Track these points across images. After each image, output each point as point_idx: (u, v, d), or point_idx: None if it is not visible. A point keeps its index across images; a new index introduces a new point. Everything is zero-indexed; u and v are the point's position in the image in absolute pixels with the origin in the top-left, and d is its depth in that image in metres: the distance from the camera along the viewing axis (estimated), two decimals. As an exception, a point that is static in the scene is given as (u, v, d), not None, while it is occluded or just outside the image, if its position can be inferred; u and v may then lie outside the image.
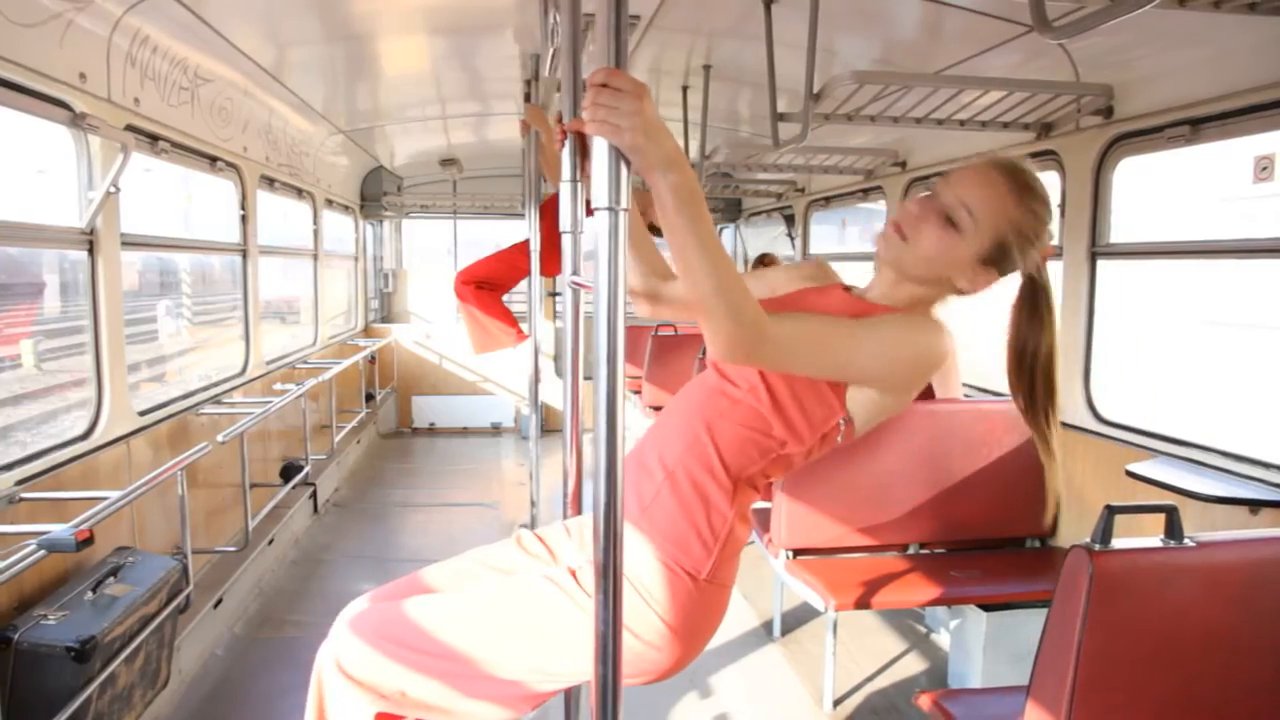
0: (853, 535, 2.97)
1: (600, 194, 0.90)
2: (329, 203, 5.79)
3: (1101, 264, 2.94)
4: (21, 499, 2.22)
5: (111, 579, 2.32)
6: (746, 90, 4.11)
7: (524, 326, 3.91)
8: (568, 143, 1.34)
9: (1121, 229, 2.93)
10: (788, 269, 1.57)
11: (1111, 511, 1.54)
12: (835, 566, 2.88)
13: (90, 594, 2.22)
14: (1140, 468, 2.54)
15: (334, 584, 3.89)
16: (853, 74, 2.53)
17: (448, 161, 6.63)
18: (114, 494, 2.25)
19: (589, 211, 0.96)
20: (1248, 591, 1.58)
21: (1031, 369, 1.32)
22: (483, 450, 6.71)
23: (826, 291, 1.44)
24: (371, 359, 6.53)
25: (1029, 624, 2.65)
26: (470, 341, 4.00)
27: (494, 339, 3.92)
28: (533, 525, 3.22)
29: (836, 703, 2.81)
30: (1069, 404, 3.04)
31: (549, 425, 6.85)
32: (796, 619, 3.42)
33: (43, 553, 1.91)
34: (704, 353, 1.90)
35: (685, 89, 4.17)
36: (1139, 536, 1.57)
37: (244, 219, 4.02)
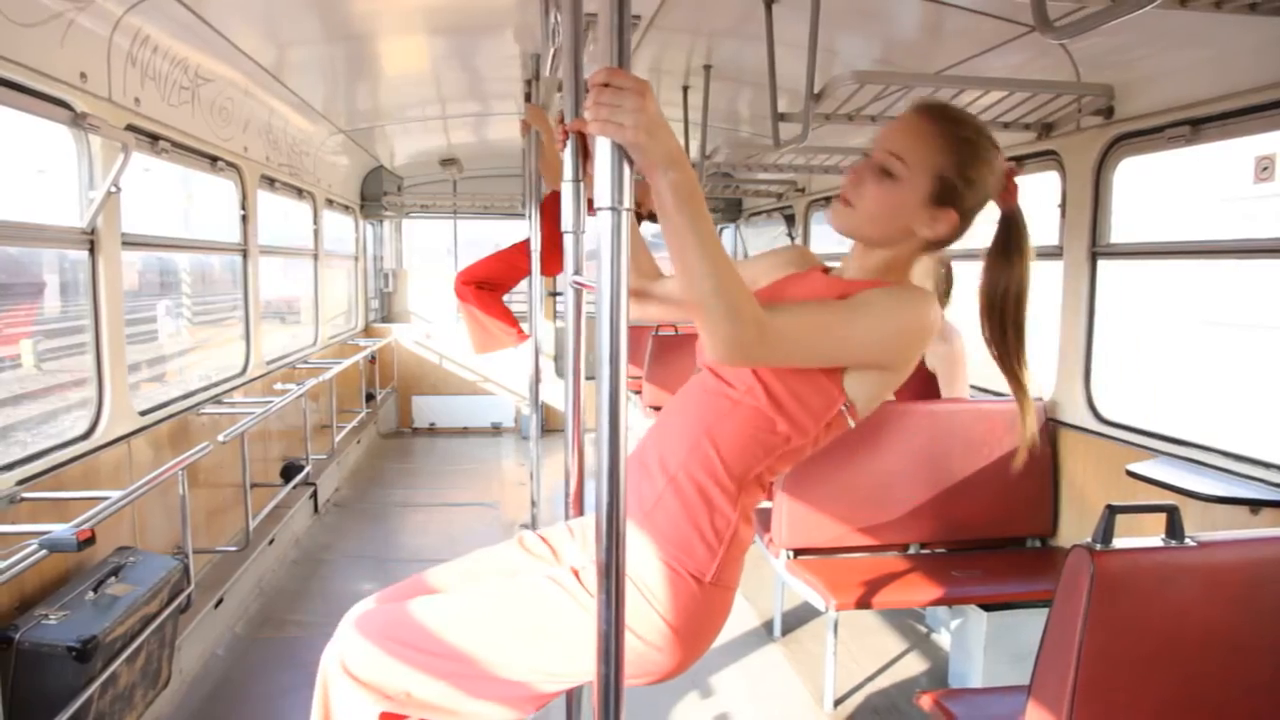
0: (853, 535, 2.97)
1: (603, 193, 0.90)
2: (329, 202, 5.79)
3: (1102, 264, 2.94)
4: (23, 499, 2.21)
5: (112, 579, 2.32)
6: (747, 90, 4.11)
7: (524, 326, 3.91)
8: (569, 143, 1.35)
9: (1122, 229, 2.94)
10: (768, 258, 1.55)
11: (1112, 511, 1.54)
12: (836, 566, 2.88)
13: (91, 594, 2.22)
14: (1141, 468, 2.54)
15: (335, 584, 3.89)
16: (854, 74, 2.53)
17: (448, 161, 6.63)
18: (115, 494, 2.25)
19: (590, 211, 0.96)
20: (1248, 591, 1.58)
21: (1002, 310, 1.31)
22: (483, 450, 6.71)
23: (807, 277, 1.43)
24: (372, 359, 6.53)
25: (1030, 624, 2.65)
26: (471, 342, 4.00)
27: (495, 339, 3.92)
28: (533, 525, 3.23)
29: (837, 702, 2.81)
30: (1070, 404, 3.04)
31: (549, 425, 6.85)
32: (797, 619, 3.42)
33: (44, 552, 1.91)
34: None
35: (686, 89, 4.17)
36: (1140, 536, 1.57)
37: (244, 219, 4.02)
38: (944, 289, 3.19)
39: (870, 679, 2.99)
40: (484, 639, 1.31)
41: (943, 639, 3.25)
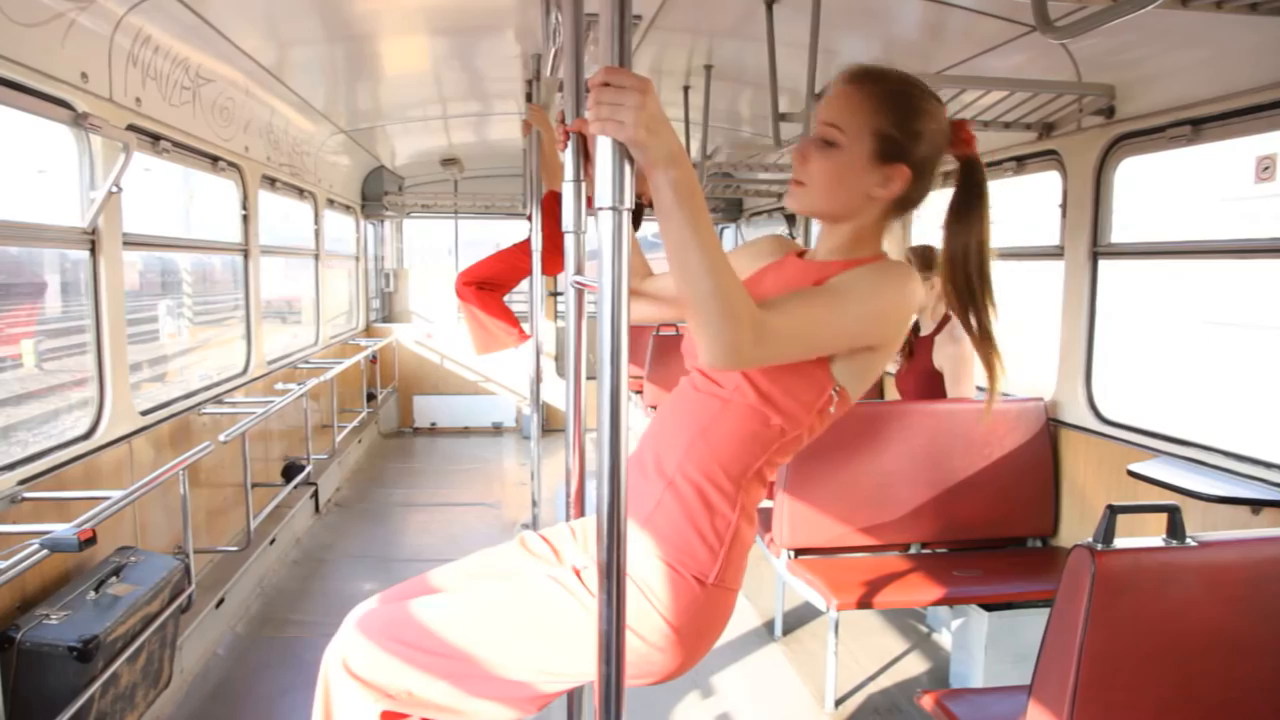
0: (854, 535, 2.97)
1: (603, 193, 0.90)
2: (330, 202, 5.79)
3: (1103, 264, 2.94)
4: (24, 499, 2.22)
5: (114, 578, 2.32)
6: (748, 90, 4.11)
7: (525, 326, 3.91)
8: (570, 143, 1.34)
9: (1123, 229, 2.93)
10: (746, 251, 1.53)
11: (1113, 511, 1.54)
12: (837, 566, 2.88)
13: (92, 593, 2.22)
14: (1142, 467, 2.54)
15: (335, 583, 3.89)
16: (855, 74, 2.53)
17: (449, 161, 6.63)
18: (116, 494, 2.25)
19: (590, 209, 0.96)
20: (1249, 591, 1.58)
21: (965, 259, 1.30)
22: (484, 450, 6.71)
23: (784, 266, 1.41)
24: (373, 359, 6.53)
25: (1031, 624, 2.65)
26: (472, 342, 4.00)
27: (496, 339, 3.92)
28: (534, 525, 3.23)
29: (838, 702, 2.81)
30: (1071, 404, 3.04)
31: (550, 425, 6.86)
32: (798, 619, 3.42)
33: (45, 552, 1.91)
34: None
35: (687, 89, 4.17)
36: (1141, 536, 1.57)
37: (245, 219, 4.02)
38: None
39: (871, 679, 2.99)
40: (486, 638, 1.31)
41: (944, 639, 3.24)
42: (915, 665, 3.10)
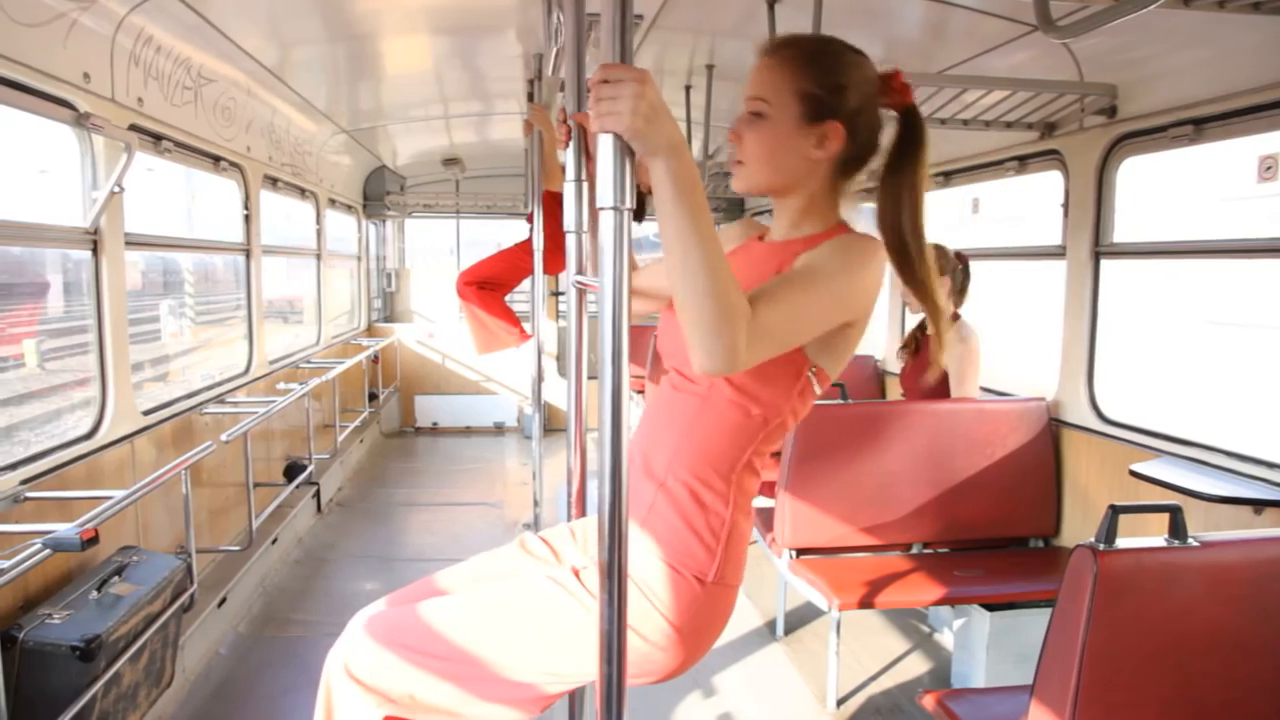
0: (856, 535, 2.97)
1: (605, 193, 0.90)
2: (332, 202, 5.80)
3: (1105, 264, 2.94)
4: (26, 498, 2.22)
5: (116, 578, 2.32)
6: (749, 90, 4.10)
7: (526, 326, 3.91)
8: (571, 140, 1.34)
9: (1125, 229, 2.93)
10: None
11: (1115, 511, 1.54)
12: (839, 566, 2.88)
13: (95, 593, 2.22)
14: (1144, 467, 2.54)
15: (337, 583, 3.89)
16: (856, 73, 2.53)
17: (450, 161, 6.64)
18: (118, 493, 2.25)
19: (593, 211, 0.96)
20: (1251, 591, 1.58)
21: (898, 210, 1.28)
22: (486, 450, 6.72)
23: (749, 251, 1.39)
24: (374, 358, 6.54)
25: (1033, 624, 2.65)
26: (473, 342, 4.00)
27: (497, 339, 3.92)
28: (536, 525, 3.23)
29: (840, 702, 2.81)
30: (1073, 404, 3.04)
31: (552, 424, 6.86)
32: (800, 618, 3.42)
33: (48, 552, 1.91)
34: None
35: (688, 88, 4.17)
36: (1143, 536, 1.57)
37: (247, 219, 4.02)
38: (959, 285, 3.19)
39: (873, 679, 2.99)
40: (490, 641, 1.31)
41: (945, 639, 3.24)
42: (917, 665, 3.10)
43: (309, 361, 5.20)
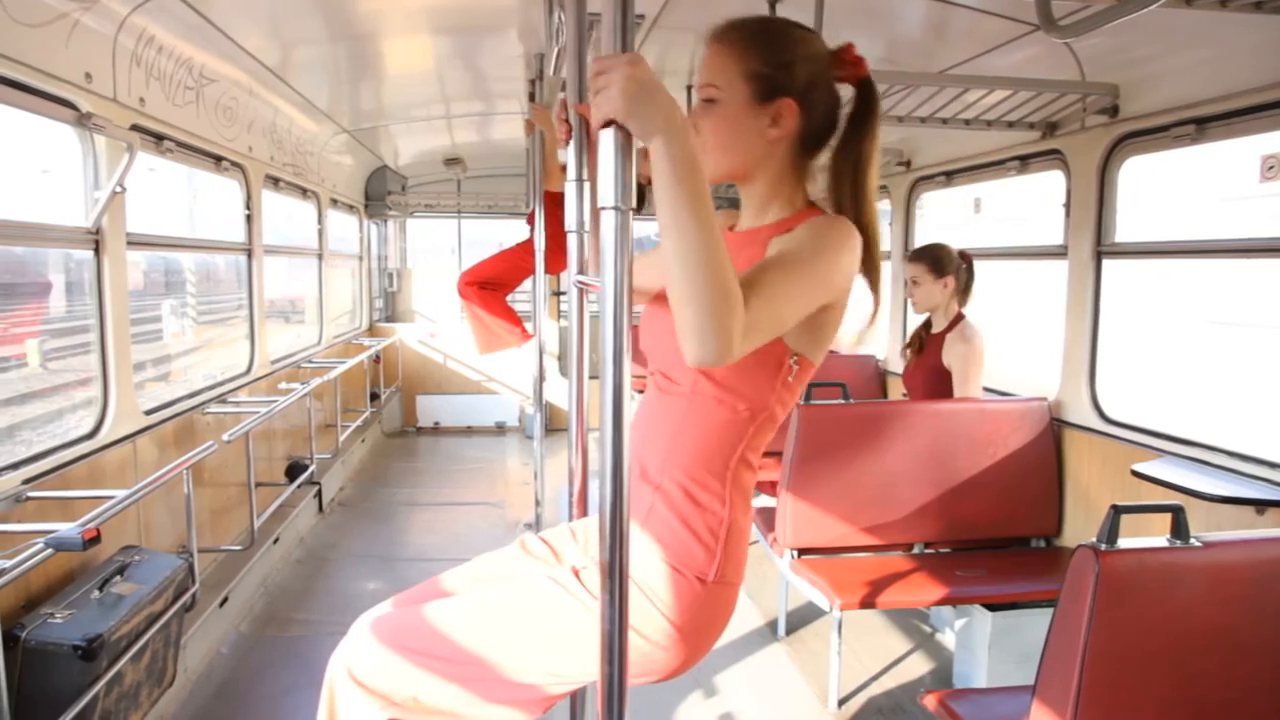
0: (858, 535, 2.97)
1: (606, 193, 0.90)
2: (333, 202, 5.80)
3: (1107, 263, 2.93)
4: (28, 498, 2.22)
5: (118, 577, 2.32)
6: (751, 89, 4.10)
7: (528, 326, 3.91)
8: (572, 137, 1.34)
9: (1126, 228, 2.93)
10: None
11: (1117, 511, 1.53)
12: (840, 566, 2.88)
13: (97, 592, 2.23)
14: (1146, 467, 2.54)
15: (339, 583, 3.89)
16: (857, 73, 2.53)
17: (452, 161, 6.64)
18: (120, 493, 2.25)
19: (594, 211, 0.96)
20: (1253, 591, 1.57)
21: (839, 171, 1.28)
22: (487, 449, 6.72)
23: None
24: (376, 358, 6.54)
25: (1034, 624, 2.65)
26: (475, 342, 4.00)
27: (498, 339, 3.92)
28: (537, 525, 3.23)
29: (841, 702, 2.81)
30: (1074, 404, 3.04)
31: (553, 424, 6.86)
32: (801, 618, 3.42)
33: (50, 551, 1.91)
34: None
35: (690, 88, 4.17)
36: (1145, 536, 1.57)
37: (249, 219, 4.03)
38: (964, 284, 3.18)
39: (875, 679, 2.99)
40: (493, 642, 1.31)
41: (947, 639, 3.24)
42: (918, 665, 3.10)
43: (311, 361, 5.20)
